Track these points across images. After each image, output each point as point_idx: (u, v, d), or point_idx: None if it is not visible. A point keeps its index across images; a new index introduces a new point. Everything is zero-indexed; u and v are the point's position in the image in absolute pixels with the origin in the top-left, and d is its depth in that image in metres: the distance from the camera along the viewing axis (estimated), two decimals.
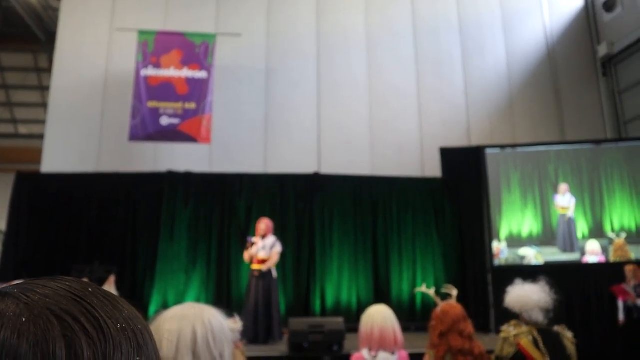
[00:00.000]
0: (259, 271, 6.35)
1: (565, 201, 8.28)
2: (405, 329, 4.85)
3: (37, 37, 11.93)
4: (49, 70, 11.33)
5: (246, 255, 6.47)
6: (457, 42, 10.47)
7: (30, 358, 0.37)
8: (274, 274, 6.51)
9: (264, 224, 6.59)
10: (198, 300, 7.71)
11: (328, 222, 8.66)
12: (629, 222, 8.12)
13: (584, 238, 8.20)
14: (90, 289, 0.44)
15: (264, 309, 6.26)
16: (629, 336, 6.90)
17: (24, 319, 0.39)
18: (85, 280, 0.51)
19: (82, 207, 8.34)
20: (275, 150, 9.49)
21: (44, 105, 13.42)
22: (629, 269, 6.90)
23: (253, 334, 6.19)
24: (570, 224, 8.23)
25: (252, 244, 6.42)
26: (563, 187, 8.32)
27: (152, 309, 7.77)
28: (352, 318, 7.30)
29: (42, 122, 11.49)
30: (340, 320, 5.54)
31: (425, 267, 8.66)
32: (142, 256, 8.21)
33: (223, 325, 1.21)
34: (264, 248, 6.43)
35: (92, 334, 0.40)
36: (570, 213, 8.25)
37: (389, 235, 8.75)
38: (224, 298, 7.83)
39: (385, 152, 9.64)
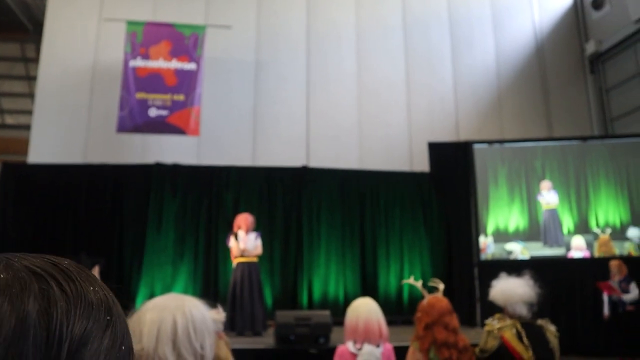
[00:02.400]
0: (246, 263, 6.43)
1: (548, 197, 8.37)
2: (391, 322, 4.88)
3: (24, 26, 11.78)
4: (36, 60, 11.19)
5: (236, 250, 6.52)
6: (447, 37, 10.50)
7: (5, 308, 0.39)
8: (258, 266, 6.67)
9: (252, 219, 6.68)
10: (185, 292, 7.70)
11: (316, 216, 8.67)
12: (614, 218, 8.22)
13: (569, 233, 8.28)
14: (66, 261, 0.46)
15: (250, 301, 6.32)
16: (613, 330, 7.01)
17: (1, 276, 0.41)
18: None
19: (69, 199, 8.27)
20: (264, 143, 9.47)
21: (31, 95, 13.27)
22: (613, 264, 7.00)
23: (240, 325, 6.25)
24: (554, 219, 8.31)
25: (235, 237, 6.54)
26: (546, 184, 8.40)
27: (139, 301, 7.74)
28: (339, 311, 7.32)
29: (29, 112, 11.37)
30: (327, 313, 5.55)
31: (412, 261, 8.71)
32: (129, 248, 8.17)
33: (204, 316, 1.21)
34: (250, 241, 6.56)
35: (68, 292, 0.42)
36: (554, 208, 8.34)
37: (377, 229, 8.79)
38: (211, 290, 7.82)
39: (374, 146, 9.66)
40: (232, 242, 6.62)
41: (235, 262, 6.60)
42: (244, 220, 6.67)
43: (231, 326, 6.19)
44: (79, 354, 0.41)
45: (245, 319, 6.31)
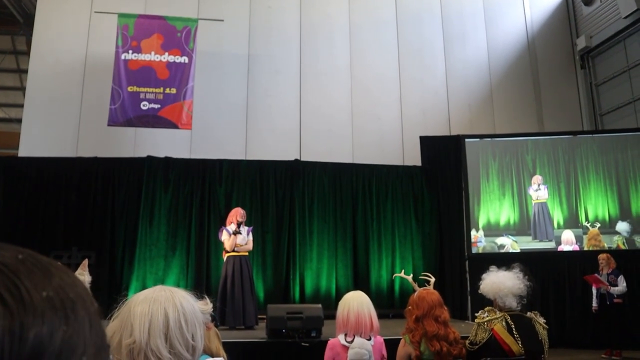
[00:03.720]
0: (237, 257, 6.49)
1: (539, 192, 8.43)
2: (383, 316, 4.91)
3: (15, 18, 11.66)
4: (27, 53, 11.10)
5: (231, 244, 6.53)
6: (439, 32, 10.52)
7: None
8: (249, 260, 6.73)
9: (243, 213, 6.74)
10: (177, 286, 7.70)
11: (308, 209, 8.69)
12: (603, 212, 8.29)
13: (559, 227, 8.36)
14: (20, 256, 0.42)
15: (241, 295, 6.34)
16: (601, 323, 7.09)
17: None
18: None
19: (60, 192, 8.22)
20: (257, 136, 9.46)
21: (22, 88, 13.15)
22: (602, 257, 7.07)
23: (231, 319, 6.27)
24: (544, 213, 8.38)
25: (238, 233, 6.53)
26: (537, 178, 8.46)
27: (131, 294, 7.70)
28: (331, 305, 7.33)
29: (20, 106, 11.27)
30: (318, 306, 5.57)
31: (404, 254, 8.75)
32: (121, 242, 8.14)
33: (194, 308, 1.22)
34: (240, 236, 6.60)
35: (10, 303, 0.38)
36: (544, 202, 8.41)
37: (369, 222, 8.82)
38: (203, 284, 7.82)
39: (366, 140, 9.67)
40: (224, 235, 6.61)
41: (226, 256, 6.60)
42: (236, 214, 6.67)
43: (222, 320, 6.22)
44: None
45: (237, 313, 6.32)
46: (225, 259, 6.63)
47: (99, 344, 0.43)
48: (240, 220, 6.58)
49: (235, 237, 6.48)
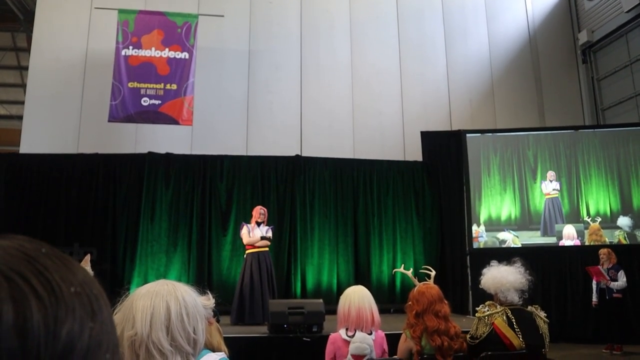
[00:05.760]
0: (259, 252, 6.59)
1: (551, 187, 8.43)
2: (384, 311, 4.92)
3: (15, 15, 11.65)
4: (27, 49, 11.09)
5: (254, 239, 6.61)
6: (440, 26, 10.49)
7: None
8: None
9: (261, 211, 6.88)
10: (179, 281, 7.72)
11: (309, 205, 8.69)
12: (604, 207, 8.29)
13: (563, 222, 8.37)
14: (43, 250, 0.40)
15: (260, 290, 6.37)
16: (601, 317, 7.09)
17: None
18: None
19: (62, 189, 8.23)
20: (257, 132, 9.46)
21: (23, 85, 13.15)
22: (603, 252, 7.06)
23: (250, 316, 6.30)
24: (556, 208, 8.37)
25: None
26: (550, 173, 8.46)
27: (132, 290, 7.73)
28: (333, 300, 7.35)
29: (21, 103, 11.27)
30: (320, 301, 5.58)
31: (405, 249, 8.76)
32: (122, 238, 8.16)
33: (196, 302, 1.23)
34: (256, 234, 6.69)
35: (43, 296, 0.37)
36: (556, 197, 8.41)
37: (370, 217, 8.82)
38: (204, 280, 7.83)
39: (367, 135, 9.67)
40: (243, 230, 6.71)
41: (246, 253, 6.70)
42: (256, 213, 6.79)
43: (239, 317, 6.27)
44: None
45: (257, 310, 6.32)
46: (245, 255, 6.70)
47: (115, 341, 0.43)
48: (258, 220, 6.69)
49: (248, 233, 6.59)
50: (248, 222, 6.85)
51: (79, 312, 0.38)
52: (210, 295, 1.36)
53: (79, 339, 0.37)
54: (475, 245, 8.40)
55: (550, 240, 8.32)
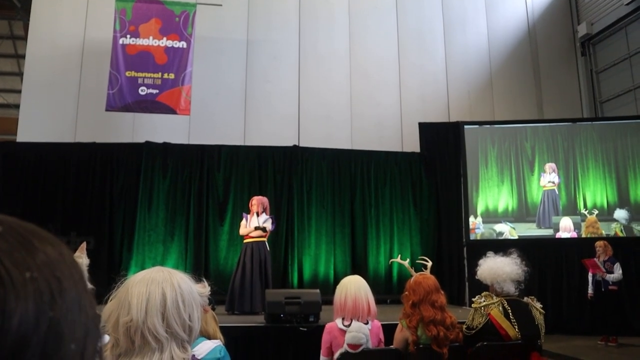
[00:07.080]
0: (253, 242, 6.59)
1: (547, 179, 8.44)
2: (381, 301, 4.93)
3: (12, 3, 11.57)
4: (24, 38, 11.01)
5: (248, 229, 6.62)
6: (439, 17, 10.44)
7: None
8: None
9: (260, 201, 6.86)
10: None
11: (306, 195, 8.69)
12: (601, 199, 8.31)
13: (557, 214, 8.38)
14: (0, 228, 0.37)
15: (250, 279, 6.38)
16: (597, 309, 7.13)
17: None
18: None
19: (59, 177, 8.21)
20: (255, 122, 9.43)
21: (20, 74, 13.08)
22: (599, 244, 7.08)
23: (237, 304, 6.31)
24: (555, 200, 8.38)
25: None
26: (550, 165, 8.46)
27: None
28: (329, 290, 7.34)
29: (18, 91, 11.22)
30: (316, 291, 5.60)
31: (402, 240, 8.77)
32: (120, 227, 8.15)
33: (192, 289, 1.23)
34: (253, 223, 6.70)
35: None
36: (553, 190, 8.42)
37: (367, 208, 8.82)
38: (201, 269, 7.84)
39: (365, 126, 9.65)
40: (242, 221, 6.74)
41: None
42: (257, 203, 6.78)
43: (230, 306, 6.29)
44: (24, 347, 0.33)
45: (245, 298, 6.34)
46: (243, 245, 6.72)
47: (89, 326, 0.38)
48: (256, 210, 6.67)
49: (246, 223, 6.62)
50: (246, 211, 6.86)
51: (34, 301, 0.34)
52: (205, 283, 1.36)
53: (34, 332, 0.34)
54: (472, 237, 8.42)
55: (547, 232, 8.35)
